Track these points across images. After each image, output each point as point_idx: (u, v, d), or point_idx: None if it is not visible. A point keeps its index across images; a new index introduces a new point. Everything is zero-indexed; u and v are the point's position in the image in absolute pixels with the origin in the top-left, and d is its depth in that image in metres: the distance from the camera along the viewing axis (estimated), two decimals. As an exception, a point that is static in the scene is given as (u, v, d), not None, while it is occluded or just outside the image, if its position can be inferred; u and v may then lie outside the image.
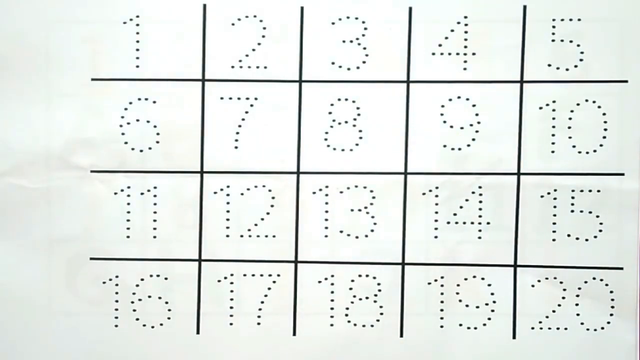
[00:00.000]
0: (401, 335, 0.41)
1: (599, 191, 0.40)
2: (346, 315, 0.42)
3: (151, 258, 0.41)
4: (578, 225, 0.41)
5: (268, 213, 0.41)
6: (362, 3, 0.40)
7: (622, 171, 0.40)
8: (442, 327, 0.41)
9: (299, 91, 0.41)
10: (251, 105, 0.41)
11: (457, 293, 0.41)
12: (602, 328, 0.41)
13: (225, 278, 0.41)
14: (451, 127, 0.41)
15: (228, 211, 0.41)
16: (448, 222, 0.41)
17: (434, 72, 0.40)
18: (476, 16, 0.40)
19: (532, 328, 0.41)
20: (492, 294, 0.41)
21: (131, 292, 0.42)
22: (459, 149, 0.41)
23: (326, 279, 0.41)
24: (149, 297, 0.42)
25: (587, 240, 0.41)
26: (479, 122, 0.41)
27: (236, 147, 0.41)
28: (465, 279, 0.41)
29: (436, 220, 0.41)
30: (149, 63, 0.40)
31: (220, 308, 0.42)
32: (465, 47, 0.40)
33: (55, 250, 0.41)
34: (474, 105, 0.40)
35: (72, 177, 0.41)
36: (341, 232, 0.41)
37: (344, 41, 0.41)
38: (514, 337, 0.41)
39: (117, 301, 0.42)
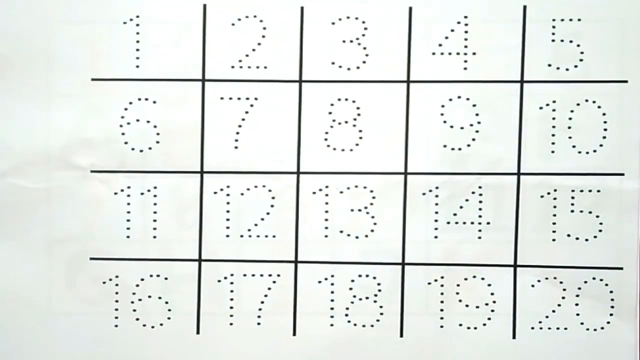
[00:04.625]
0: (401, 335, 0.41)
1: (599, 191, 0.40)
2: (346, 315, 0.42)
3: (151, 258, 0.41)
4: (578, 225, 0.41)
5: (268, 213, 0.41)
6: (362, 3, 0.40)
7: (622, 171, 0.40)
8: (442, 327, 0.41)
9: (299, 91, 0.41)
10: (251, 105, 0.41)
11: (457, 293, 0.41)
12: (602, 328, 0.41)
13: (225, 278, 0.41)
14: (451, 127, 0.41)
15: (228, 211, 0.41)
16: (448, 222, 0.41)
17: (434, 72, 0.40)
18: (476, 16, 0.40)
19: (532, 328, 0.41)
20: (492, 294, 0.41)
21: (131, 292, 0.42)
22: (459, 149, 0.41)
23: (326, 279, 0.41)
24: (149, 297, 0.42)
25: (587, 240, 0.41)
26: (479, 122, 0.41)
27: (236, 147, 0.41)
28: (465, 279, 0.41)
29: (436, 220, 0.41)
30: (149, 63, 0.40)
31: (220, 308, 0.42)
32: (465, 47, 0.40)
33: (55, 250, 0.41)
34: (474, 105, 0.40)
35: (72, 177, 0.41)
36: (341, 232, 0.41)
37: (344, 41, 0.41)
38: (513, 337, 0.41)
39: (117, 301, 0.42)
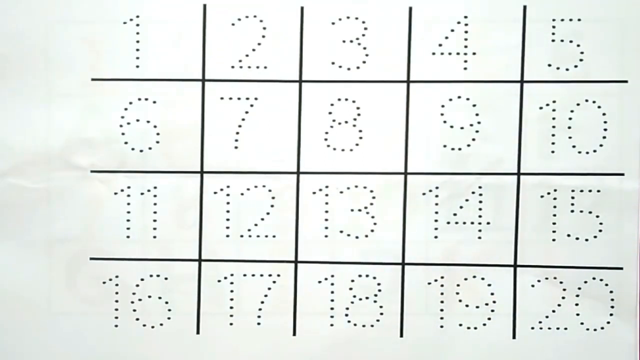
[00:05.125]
0: (401, 335, 0.41)
1: (599, 191, 0.40)
2: (346, 315, 0.42)
3: (151, 258, 0.41)
4: (578, 225, 0.41)
5: (268, 213, 0.41)
6: (362, 3, 0.40)
7: (622, 171, 0.40)
8: (442, 327, 0.41)
9: (299, 91, 0.41)
10: (251, 105, 0.41)
11: (457, 293, 0.41)
12: (602, 328, 0.41)
13: (225, 278, 0.42)
14: (451, 127, 0.41)
15: (228, 211, 0.41)
16: (448, 222, 0.41)
17: (434, 72, 0.40)
18: (476, 16, 0.40)
19: (532, 328, 0.41)
20: (492, 294, 0.41)
21: (131, 292, 0.42)
22: (459, 149, 0.41)
23: (326, 279, 0.41)
24: (149, 297, 0.42)
25: (587, 240, 0.41)
26: (479, 122, 0.41)
27: (236, 147, 0.41)
28: (465, 279, 0.41)
29: (436, 220, 0.41)
30: (149, 63, 0.40)
31: (220, 308, 0.42)
32: (465, 47, 0.40)
33: (55, 250, 0.41)
34: (474, 105, 0.40)
35: (72, 177, 0.41)
36: (341, 232, 0.41)
37: (344, 41, 0.41)
38: (513, 337, 0.41)
39: (117, 301, 0.42)
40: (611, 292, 0.41)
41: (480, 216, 0.41)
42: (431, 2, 0.40)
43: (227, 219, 0.41)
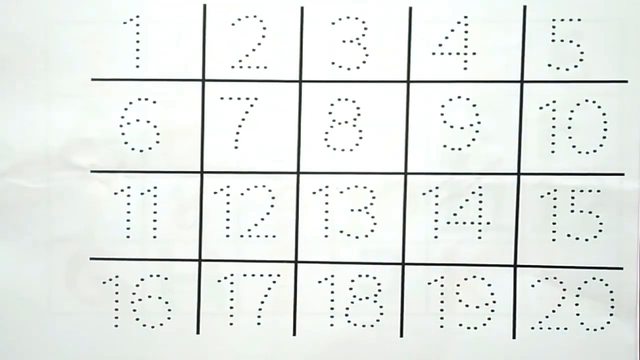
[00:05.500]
0: (401, 335, 0.41)
1: (599, 191, 0.40)
2: (346, 315, 0.42)
3: (151, 258, 0.41)
4: (578, 225, 0.41)
5: (268, 213, 0.41)
6: (362, 3, 0.40)
7: (622, 171, 0.40)
8: (442, 327, 0.41)
9: (299, 91, 0.41)
10: (251, 105, 0.41)
11: (457, 293, 0.41)
12: (602, 328, 0.41)
13: (225, 278, 0.42)
14: (451, 127, 0.41)
15: (228, 211, 0.41)
16: (448, 222, 0.41)
17: (434, 72, 0.40)
18: (476, 16, 0.40)
19: (532, 328, 0.41)
20: (492, 294, 0.41)
21: (131, 292, 0.42)
22: (459, 149, 0.41)
23: (326, 279, 0.41)
24: (149, 297, 0.42)
25: (587, 240, 0.41)
26: (479, 122, 0.41)
27: (236, 147, 0.41)
28: (465, 279, 0.41)
29: (436, 220, 0.41)
30: (149, 63, 0.40)
31: (220, 308, 0.42)
32: (465, 47, 0.40)
33: (55, 250, 0.41)
34: (474, 105, 0.40)
35: (72, 177, 0.41)
36: (341, 232, 0.41)
37: (344, 41, 0.41)
38: (513, 337, 0.41)
39: (117, 301, 0.42)
40: (611, 292, 0.41)
41: (480, 216, 0.41)
42: (431, 2, 0.40)
43: (227, 219, 0.41)
